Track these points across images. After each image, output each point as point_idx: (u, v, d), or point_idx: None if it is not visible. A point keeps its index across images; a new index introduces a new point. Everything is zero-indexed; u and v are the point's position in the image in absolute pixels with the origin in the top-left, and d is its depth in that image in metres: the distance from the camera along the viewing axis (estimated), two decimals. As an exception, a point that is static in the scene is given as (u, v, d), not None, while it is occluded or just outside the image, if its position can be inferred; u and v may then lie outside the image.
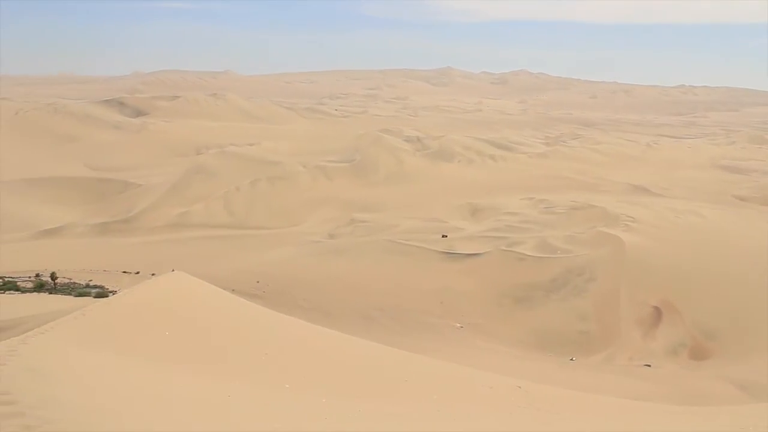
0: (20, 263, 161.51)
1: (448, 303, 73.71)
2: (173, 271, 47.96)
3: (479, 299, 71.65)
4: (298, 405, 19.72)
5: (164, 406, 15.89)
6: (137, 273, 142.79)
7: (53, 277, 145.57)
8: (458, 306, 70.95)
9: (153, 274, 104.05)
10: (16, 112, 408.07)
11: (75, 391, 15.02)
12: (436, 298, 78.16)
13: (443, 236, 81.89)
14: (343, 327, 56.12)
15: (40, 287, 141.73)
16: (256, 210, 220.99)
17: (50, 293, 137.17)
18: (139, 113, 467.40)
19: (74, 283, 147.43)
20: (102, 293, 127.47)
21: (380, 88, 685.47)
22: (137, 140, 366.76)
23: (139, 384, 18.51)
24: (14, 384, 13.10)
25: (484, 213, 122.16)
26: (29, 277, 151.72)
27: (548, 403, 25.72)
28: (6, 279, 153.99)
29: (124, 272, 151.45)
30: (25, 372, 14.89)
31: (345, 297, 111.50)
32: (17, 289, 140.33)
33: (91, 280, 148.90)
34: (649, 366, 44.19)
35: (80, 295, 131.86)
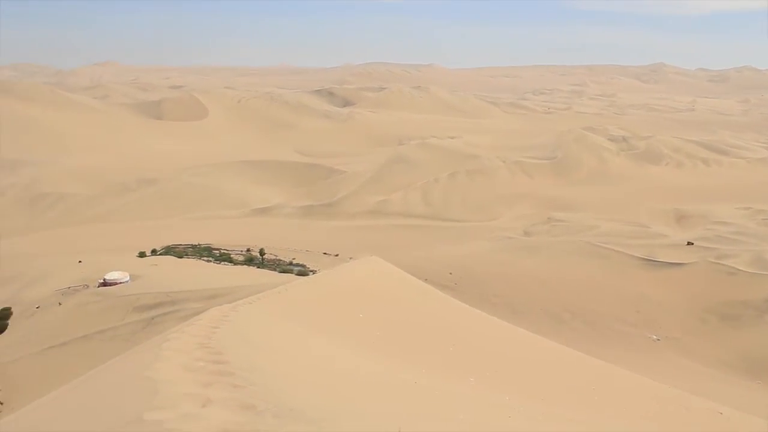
0: (234, 237, 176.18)
1: (644, 312, 70.06)
2: (370, 256, 49.85)
3: (679, 312, 67.30)
4: (482, 399, 19.80)
5: (353, 384, 16.67)
6: (336, 255, 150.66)
7: (262, 252, 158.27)
8: (655, 317, 67.21)
9: (351, 258, 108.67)
10: (238, 101, 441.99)
11: (275, 359, 16.18)
12: (632, 306, 74.55)
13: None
14: (531, 326, 55.20)
15: (249, 261, 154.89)
16: (452, 202, 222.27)
17: (258, 267, 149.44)
18: (347, 103, 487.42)
19: (279, 259, 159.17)
20: (303, 271, 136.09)
21: (586, 84, 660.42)
22: (344, 129, 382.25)
23: (331, 360, 19.54)
24: (225, 346, 14.42)
25: (691, 220, 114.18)
26: (241, 251, 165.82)
27: (754, 434, 23.76)
28: (222, 251, 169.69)
29: (325, 253, 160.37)
30: (235, 336, 16.30)
31: (536, 296, 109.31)
32: (230, 260, 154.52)
33: (294, 259, 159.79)
34: None
35: (283, 271, 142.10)
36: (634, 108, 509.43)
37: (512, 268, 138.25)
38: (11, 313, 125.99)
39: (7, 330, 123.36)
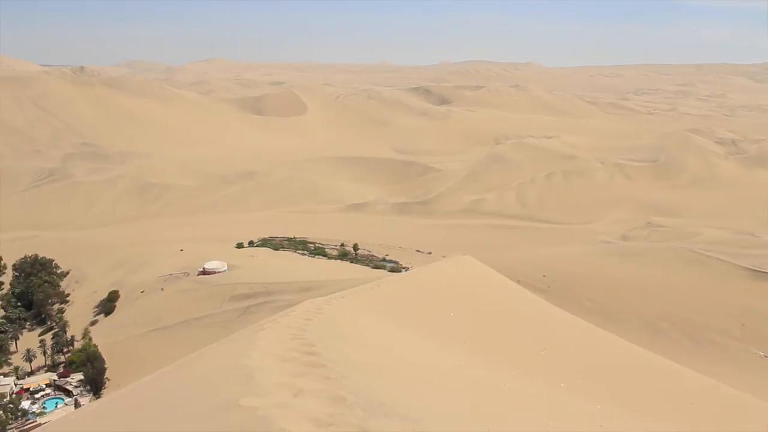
0: (329, 232, 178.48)
1: (751, 327, 66.72)
2: (463, 255, 49.55)
3: (791, 327, 63.72)
4: (572, 406, 19.39)
5: (442, 382, 16.65)
6: (429, 253, 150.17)
7: (355, 248, 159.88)
8: (763, 332, 63.90)
9: (444, 256, 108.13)
10: (336, 97, 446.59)
11: (366, 353, 16.38)
12: (737, 319, 71.09)
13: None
14: (626, 333, 53.50)
15: (343, 255, 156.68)
16: (548, 203, 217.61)
17: (351, 262, 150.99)
18: (443, 101, 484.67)
19: (372, 255, 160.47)
20: (396, 268, 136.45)
21: (693, 84, 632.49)
22: (440, 127, 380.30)
23: (421, 357, 19.59)
24: (318, 338, 14.73)
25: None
26: (335, 246, 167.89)
27: None
28: (317, 245, 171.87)
29: (418, 251, 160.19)
30: (327, 329, 16.60)
31: (631, 303, 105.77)
32: (325, 254, 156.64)
33: (387, 255, 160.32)
34: None
35: (376, 267, 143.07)
36: (745, 109, 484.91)
37: (608, 273, 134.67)
38: (119, 296, 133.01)
39: (114, 312, 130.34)
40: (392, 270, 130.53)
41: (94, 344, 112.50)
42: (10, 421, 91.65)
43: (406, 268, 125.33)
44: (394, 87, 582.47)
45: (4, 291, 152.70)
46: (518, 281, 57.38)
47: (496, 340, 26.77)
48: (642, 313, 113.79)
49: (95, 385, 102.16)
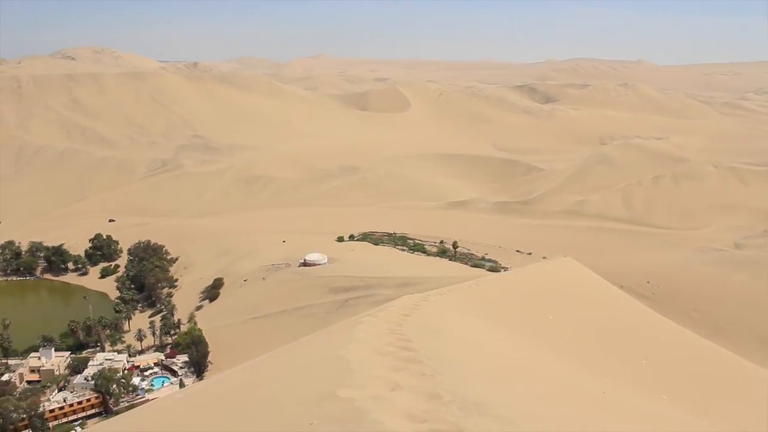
0: (429, 229, 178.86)
1: None
2: (564, 257, 48.58)
3: None
4: (675, 421, 18.69)
5: (539, 385, 16.42)
6: (529, 253, 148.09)
7: (455, 245, 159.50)
8: None
9: (544, 257, 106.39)
10: (439, 94, 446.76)
11: (463, 351, 16.37)
12: None
13: None
14: (736, 347, 51.02)
15: (442, 253, 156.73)
16: (655, 207, 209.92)
17: (450, 260, 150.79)
18: (548, 99, 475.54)
19: (471, 253, 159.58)
20: (494, 267, 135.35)
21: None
22: (544, 126, 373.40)
23: (518, 359, 19.41)
24: (415, 334, 14.85)
25: None
26: (435, 242, 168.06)
27: None
28: (416, 241, 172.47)
29: (517, 251, 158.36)
30: (425, 326, 16.71)
31: (743, 315, 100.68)
32: (424, 251, 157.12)
33: (486, 254, 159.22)
34: None
35: (475, 265, 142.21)
36: None
37: (718, 283, 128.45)
38: (223, 284, 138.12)
39: (218, 298, 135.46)
40: (491, 269, 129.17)
41: (199, 328, 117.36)
42: (123, 395, 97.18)
43: (506, 268, 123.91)
44: (498, 84, 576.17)
45: (120, 273, 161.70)
46: (620, 286, 55.76)
47: (595, 346, 26.16)
48: (755, 326, 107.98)
49: (198, 367, 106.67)
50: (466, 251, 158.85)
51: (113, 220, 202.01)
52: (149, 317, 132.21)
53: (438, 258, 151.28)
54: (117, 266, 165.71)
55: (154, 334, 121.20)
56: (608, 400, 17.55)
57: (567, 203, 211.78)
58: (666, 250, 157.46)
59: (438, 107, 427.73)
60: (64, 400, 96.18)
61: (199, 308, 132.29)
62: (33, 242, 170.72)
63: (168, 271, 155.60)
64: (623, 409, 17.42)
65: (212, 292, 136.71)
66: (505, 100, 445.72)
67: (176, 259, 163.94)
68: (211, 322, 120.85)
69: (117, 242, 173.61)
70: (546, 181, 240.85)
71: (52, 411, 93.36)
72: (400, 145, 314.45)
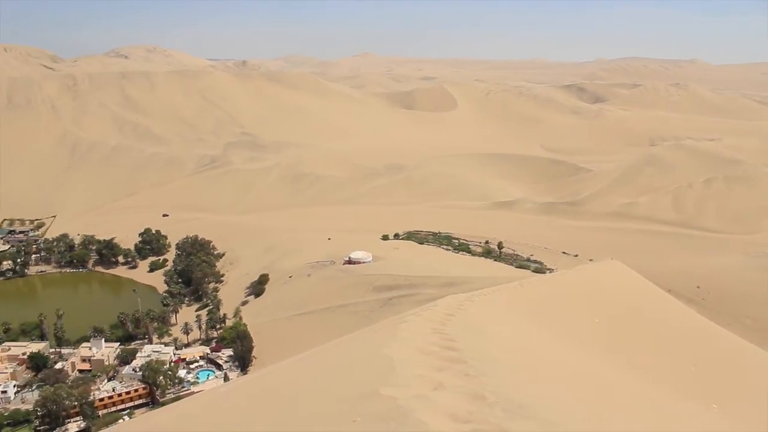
0: (474, 228, 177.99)
1: None
2: (611, 259, 47.90)
3: None
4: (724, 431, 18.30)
5: (584, 388, 16.22)
6: (576, 255, 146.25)
7: (500, 246, 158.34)
8: None
9: (591, 260, 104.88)
10: (486, 93, 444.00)
11: (507, 353, 16.26)
12: None
13: None
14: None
15: (487, 253, 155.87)
16: (706, 210, 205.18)
17: (495, 260, 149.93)
18: (597, 99, 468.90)
19: (517, 254, 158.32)
20: (540, 269, 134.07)
21: None
22: (592, 126, 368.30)
23: (563, 362, 19.20)
24: (459, 334, 14.82)
25: None
26: (480, 243, 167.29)
27: None
28: (461, 241, 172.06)
29: (564, 253, 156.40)
30: (469, 326, 16.66)
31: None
32: (469, 251, 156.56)
33: (532, 255, 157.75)
34: None
35: (520, 266, 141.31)
36: None
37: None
38: (268, 280, 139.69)
39: (263, 294, 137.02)
40: (536, 271, 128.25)
41: (244, 323, 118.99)
42: (169, 387, 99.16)
43: (551, 270, 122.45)
44: (547, 84, 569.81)
45: (168, 267, 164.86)
46: (669, 291, 54.70)
47: (642, 351, 25.75)
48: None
49: (243, 361, 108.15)
50: (512, 252, 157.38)
51: (167, 215, 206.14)
52: (196, 311, 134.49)
53: (483, 258, 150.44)
54: (165, 260, 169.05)
55: (200, 327, 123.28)
56: (654, 406, 17.26)
57: (615, 205, 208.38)
58: (717, 254, 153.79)
59: (485, 107, 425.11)
60: (113, 390, 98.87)
61: (244, 303, 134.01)
62: (86, 235, 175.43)
63: (215, 266, 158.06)
64: (669, 415, 17.12)
65: (258, 287, 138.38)
66: (553, 99, 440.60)
67: (223, 254, 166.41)
68: (256, 318, 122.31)
69: (166, 237, 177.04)
70: (593, 183, 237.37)
71: (101, 400, 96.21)
72: (446, 144, 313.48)
